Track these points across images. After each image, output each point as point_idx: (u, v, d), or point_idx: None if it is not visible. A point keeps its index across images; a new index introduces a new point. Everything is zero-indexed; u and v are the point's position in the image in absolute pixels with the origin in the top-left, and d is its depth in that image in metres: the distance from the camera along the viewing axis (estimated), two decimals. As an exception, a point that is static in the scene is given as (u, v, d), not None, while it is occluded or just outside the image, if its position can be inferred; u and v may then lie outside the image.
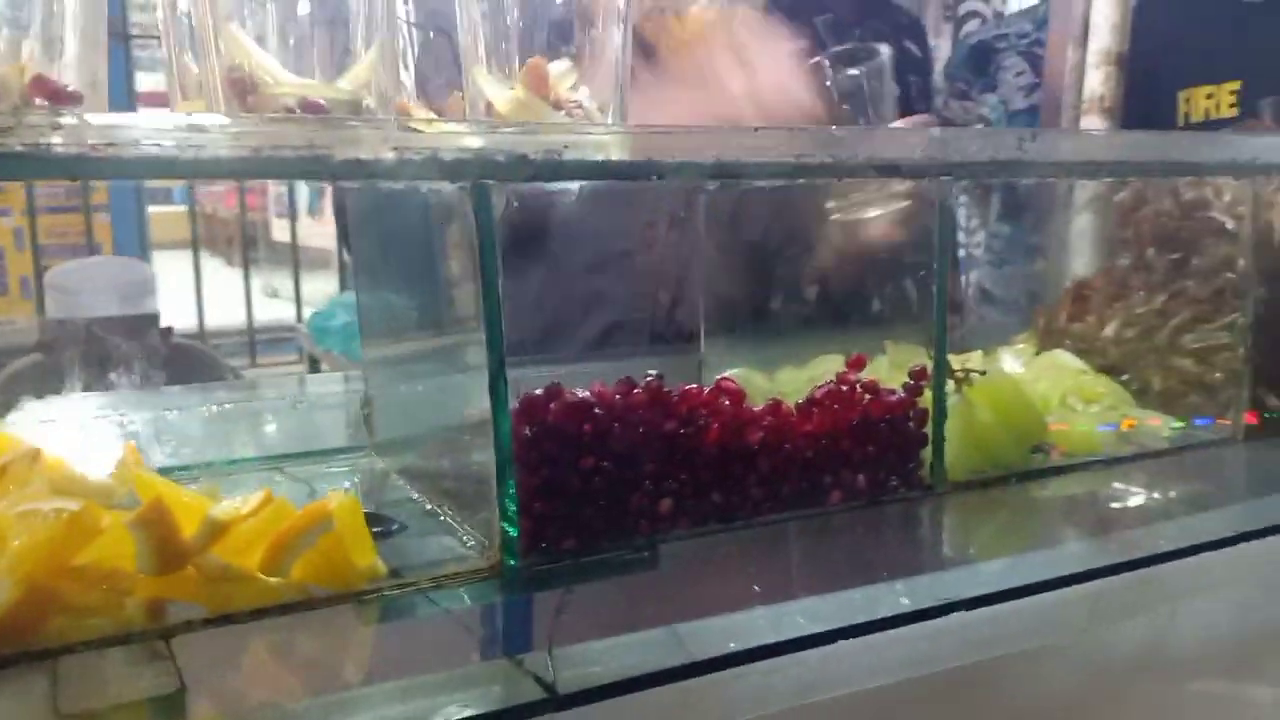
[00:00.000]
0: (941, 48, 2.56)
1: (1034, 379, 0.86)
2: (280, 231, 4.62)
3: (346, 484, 0.68)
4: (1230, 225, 0.79)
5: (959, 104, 2.65)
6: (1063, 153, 0.66)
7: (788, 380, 0.91)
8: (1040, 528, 0.63)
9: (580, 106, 0.57)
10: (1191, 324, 0.82)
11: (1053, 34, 1.30)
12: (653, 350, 1.15)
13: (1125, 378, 0.86)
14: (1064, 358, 0.87)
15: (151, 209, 3.78)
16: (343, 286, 3.15)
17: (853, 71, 0.99)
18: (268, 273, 4.28)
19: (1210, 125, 1.65)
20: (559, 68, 0.58)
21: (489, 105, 0.56)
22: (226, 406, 0.81)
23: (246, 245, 3.37)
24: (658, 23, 1.24)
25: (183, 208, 3.51)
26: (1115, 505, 0.66)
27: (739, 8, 1.26)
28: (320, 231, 3.87)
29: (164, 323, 2.15)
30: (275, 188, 4.37)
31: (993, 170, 0.64)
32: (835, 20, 1.94)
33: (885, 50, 1.02)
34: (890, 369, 0.84)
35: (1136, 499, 0.66)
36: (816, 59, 1.03)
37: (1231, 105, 1.67)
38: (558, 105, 0.56)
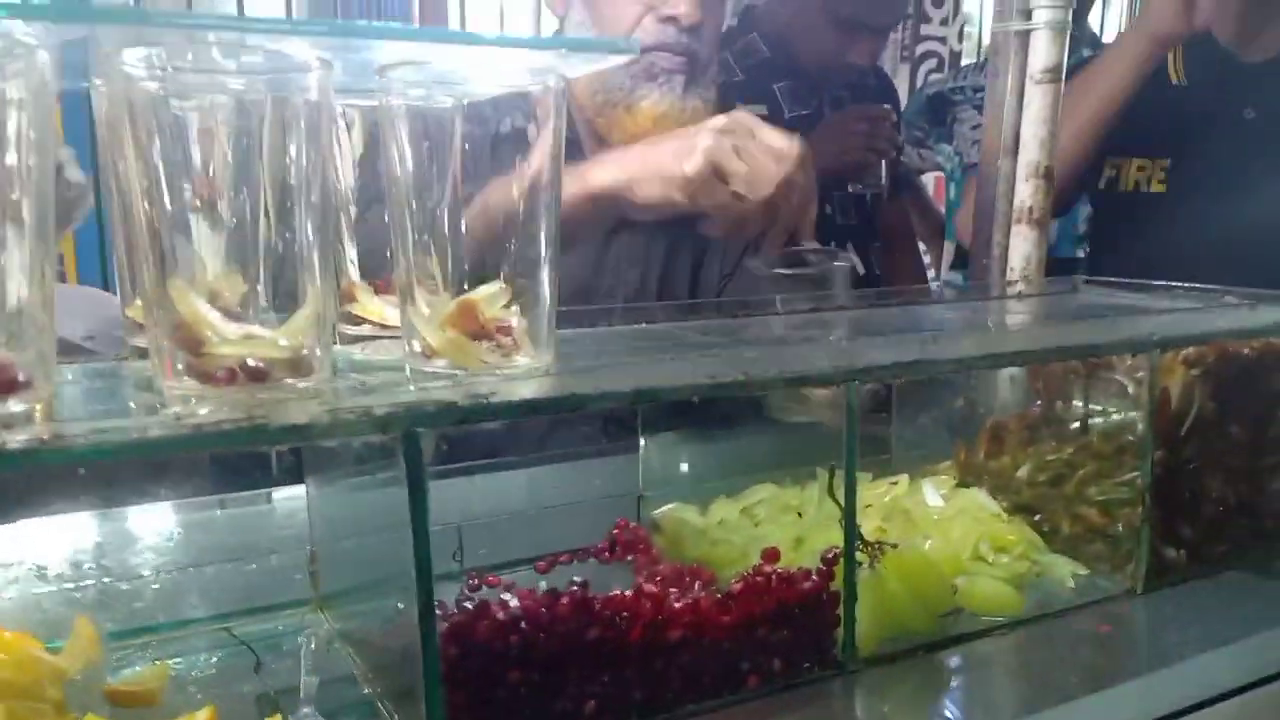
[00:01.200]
0: (898, 89, 2.62)
1: (951, 517, 0.91)
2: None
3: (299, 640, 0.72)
4: (1131, 390, 0.84)
5: (916, 150, 2.72)
6: (964, 349, 0.71)
7: (721, 513, 0.96)
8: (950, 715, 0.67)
9: (510, 332, 0.61)
10: (1095, 477, 0.87)
11: (987, 144, 1.35)
12: (596, 449, 1.19)
13: (1038, 518, 0.91)
14: (980, 498, 0.92)
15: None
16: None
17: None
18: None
19: (1139, 196, 1.73)
20: (489, 290, 0.62)
21: (423, 340, 0.59)
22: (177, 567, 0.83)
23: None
24: (610, 116, 1.29)
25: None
26: (1019, 682, 0.71)
27: (690, 102, 1.31)
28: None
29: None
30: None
31: (897, 372, 0.69)
32: (793, 86, 1.99)
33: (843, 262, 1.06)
34: (820, 495, 0.89)
35: (1039, 672, 0.71)
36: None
37: (1160, 181, 1.75)
38: (486, 334, 0.60)
